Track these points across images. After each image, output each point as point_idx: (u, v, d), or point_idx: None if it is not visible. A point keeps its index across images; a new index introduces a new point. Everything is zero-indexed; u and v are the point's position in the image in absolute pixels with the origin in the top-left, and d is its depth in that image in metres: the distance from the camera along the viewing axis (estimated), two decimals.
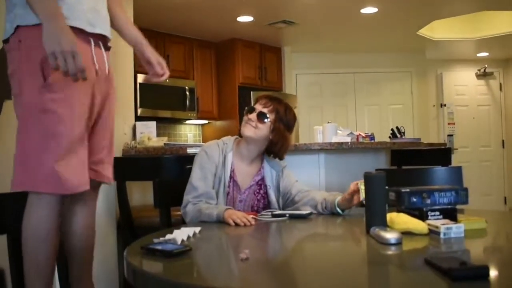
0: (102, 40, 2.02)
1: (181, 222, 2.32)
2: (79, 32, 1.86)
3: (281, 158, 2.44)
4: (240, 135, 2.42)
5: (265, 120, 2.33)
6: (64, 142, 1.81)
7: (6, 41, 1.90)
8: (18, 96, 1.85)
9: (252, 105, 2.41)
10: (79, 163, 1.86)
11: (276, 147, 2.38)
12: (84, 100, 1.92)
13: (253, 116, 2.33)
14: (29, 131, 1.82)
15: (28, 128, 1.82)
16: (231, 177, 2.36)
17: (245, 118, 2.36)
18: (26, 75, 1.81)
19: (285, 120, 2.38)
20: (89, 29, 1.91)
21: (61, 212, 1.91)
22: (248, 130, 2.32)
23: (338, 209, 2.17)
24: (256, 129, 2.32)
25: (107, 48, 2.08)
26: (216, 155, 2.35)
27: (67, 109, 1.82)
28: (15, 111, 1.89)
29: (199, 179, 2.29)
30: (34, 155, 1.80)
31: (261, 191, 2.42)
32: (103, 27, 2.00)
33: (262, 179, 2.42)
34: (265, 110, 2.35)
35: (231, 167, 2.37)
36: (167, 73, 2.25)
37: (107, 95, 2.07)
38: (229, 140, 2.43)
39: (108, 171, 2.11)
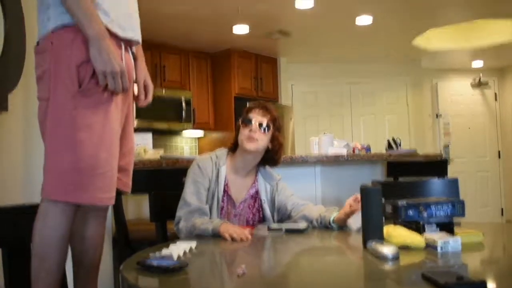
0: (130, 44, 2.00)
1: (177, 236, 2.31)
2: (111, 36, 1.84)
3: (277, 164, 2.44)
4: (232, 149, 2.41)
5: (267, 131, 2.33)
6: (93, 152, 1.79)
7: (37, 43, 1.88)
8: (45, 100, 1.81)
9: (245, 115, 2.37)
10: (107, 176, 1.84)
11: (276, 155, 2.40)
12: (119, 109, 1.91)
13: (255, 128, 2.31)
14: (56, 137, 1.79)
15: (56, 134, 1.79)
16: (224, 191, 2.35)
17: (244, 132, 2.31)
18: (59, 79, 1.77)
19: (280, 127, 2.41)
20: (121, 33, 1.90)
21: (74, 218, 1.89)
22: (253, 144, 2.30)
23: (334, 225, 2.16)
24: (259, 141, 2.31)
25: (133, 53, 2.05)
26: (209, 168, 2.33)
27: (100, 118, 1.80)
28: (38, 116, 1.87)
29: (192, 194, 2.26)
30: (61, 164, 1.78)
31: (256, 205, 2.40)
32: (135, 31, 1.98)
33: (257, 192, 2.41)
34: (264, 121, 2.34)
35: (225, 181, 2.35)
36: (148, 101, 2.13)
37: (130, 101, 2.06)
38: (222, 153, 2.42)
39: (129, 179, 2.08)
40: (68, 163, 1.77)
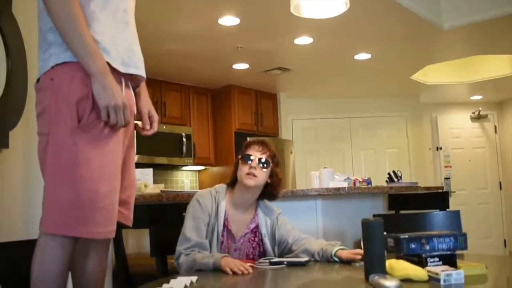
0: (131, 79, 2.02)
1: (177, 271, 2.29)
2: (112, 72, 1.85)
3: (276, 198, 2.45)
4: (231, 184, 2.41)
5: (267, 167, 2.34)
6: (93, 186, 1.79)
7: (37, 80, 1.89)
8: (45, 136, 1.82)
9: (244, 152, 2.38)
10: (107, 210, 1.83)
11: (276, 190, 2.42)
12: (120, 143, 1.92)
13: (255, 165, 2.32)
14: (56, 171, 1.79)
15: (55, 168, 1.79)
16: (224, 225, 2.34)
17: (244, 168, 2.32)
18: (58, 115, 1.78)
19: (278, 162, 2.43)
20: (122, 69, 1.91)
21: (74, 252, 1.88)
22: (252, 180, 2.31)
23: (336, 259, 2.14)
24: (258, 177, 2.32)
25: (136, 87, 2.07)
26: (209, 204, 2.33)
27: (99, 153, 1.81)
28: (38, 151, 1.87)
29: (192, 229, 2.26)
30: (60, 198, 1.77)
31: (256, 239, 2.39)
32: (138, 67, 2.00)
33: (257, 226, 2.40)
34: (264, 157, 2.35)
35: (225, 216, 2.35)
36: (153, 131, 2.16)
37: (132, 134, 2.07)
38: (221, 188, 2.42)
39: (130, 212, 2.08)
40: (68, 198, 1.77)
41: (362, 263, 1.98)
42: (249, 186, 2.31)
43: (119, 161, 1.93)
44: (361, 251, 2.03)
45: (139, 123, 2.13)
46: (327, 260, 2.17)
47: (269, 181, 2.39)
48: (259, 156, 2.34)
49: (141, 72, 2.03)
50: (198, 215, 2.30)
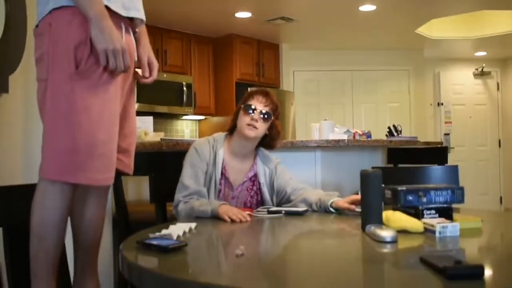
0: (131, 24, 1.99)
1: (176, 219, 2.32)
2: (112, 16, 1.82)
3: (273, 149, 2.46)
4: (230, 131, 2.41)
5: (268, 120, 2.33)
6: (91, 133, 1.79)
7: (36, 25, 1.87)
8: (44, 81, 1.81)
9: (247, 101, 2.37)
10: (105, 157, 1.84)
11: (274, 141, 2.43)
12: (119, 90, 1.91)
13: (257, 117, 2.31)
14: (55, 118, 1.79)
15: (54, 115, 1.79)
16: (222, 174, 2.35)
17: (245, 119, 2.31)
18: (56, 60, 1.77)
19: (279, 114, 2.43)
20: (123, 12, 1.88)
21: (73, 198, 1.89)
22: (253, 131, 2.31)
23: (332, 210, 2.16)
24: (259, 129, 2.32)
25: (135, 32, 2.04)
26: (207, 152, 2.34)
27: (98, 100, 1.80)
28: (37, 96, 1.87)
29: (190, 177, 2.28)
30: (58, 145, 1.78)
31: (254, 188, 2.41)
32: (138, 10, 1.97)
33: (255, 175, 2.42)
34: (266, 110, 2.33)
35: (222, 164, 2.36)
36: (152, 78, 2.12)
37: (132, 81, 2.06)
38: (220, 136, 2.42)
39: (130, 160, 2.08)
40: (66, 144, 1.78)
41: (359, 210, 2.01)
42: (249, 137, 2.31)
43: (118, 108, 1.92)
44: (357, 197, 2.04)
45: (139, 70, 2.11)
46: (325, 210, 2.19)
47: (267, 132, 2.38)
48: (262, 108, 2.33)
49: (141, 15, 1.99)
50: (196, 163, 2.31)
